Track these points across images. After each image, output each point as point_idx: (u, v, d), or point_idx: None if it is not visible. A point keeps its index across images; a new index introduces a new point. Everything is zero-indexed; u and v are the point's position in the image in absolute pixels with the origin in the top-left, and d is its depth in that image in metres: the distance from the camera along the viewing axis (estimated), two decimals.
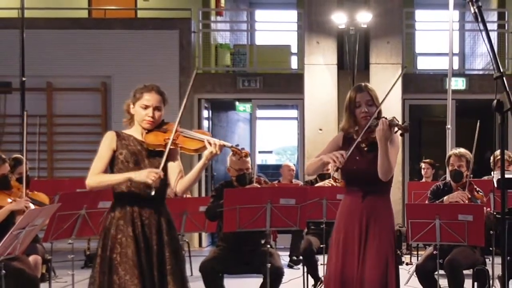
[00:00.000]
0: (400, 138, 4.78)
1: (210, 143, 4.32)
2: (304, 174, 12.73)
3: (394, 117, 4.59)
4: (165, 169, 4.42)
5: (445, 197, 6.54)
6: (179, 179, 4.49)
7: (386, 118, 4.53)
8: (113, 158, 4.41)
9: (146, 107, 4.40)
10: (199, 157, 4.50)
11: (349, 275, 4.71)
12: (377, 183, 4.67)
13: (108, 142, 4.41)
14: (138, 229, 4.34)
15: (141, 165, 4.39)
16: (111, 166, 4.43)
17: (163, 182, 4.46)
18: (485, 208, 6.40)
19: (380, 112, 4.73)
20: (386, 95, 4.77)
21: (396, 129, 4.51)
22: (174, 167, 4.49)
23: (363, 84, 4.89)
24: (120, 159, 4.39)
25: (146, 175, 4.24)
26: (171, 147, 4.35)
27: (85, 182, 4.39)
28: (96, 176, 4.35)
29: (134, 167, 4.37)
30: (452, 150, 6.91)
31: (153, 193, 4.29)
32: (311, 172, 5.00)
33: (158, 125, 4.47)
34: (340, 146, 4.84)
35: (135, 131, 4.50)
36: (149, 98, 4.40)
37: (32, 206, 5.98)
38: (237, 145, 4.52)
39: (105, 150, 4.41)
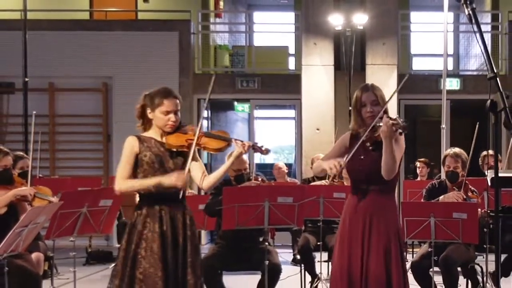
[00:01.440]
0: (403, 138, 4.79)
1: (237, 143, 4.54)
2: (302, 172, 12.76)
3: (397, 116, 4.58)
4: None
5: (441, 197, 6.54)
6: (204, 176, 4.64)
7: (389, 118, 4.52)
8: (136, 161, 4.51)
9: (167, 113, 4.49)
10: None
11: (354, 272, 4.71)
12: (381, 181, 4.67)
13: (130, 148, 4.51)
14: (167, 225, 4.45)
15: (166, 166, 4.50)
16: (135, 168, 4.52)
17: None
18: (479, 209, 6.41)
19: (386, 112, 4.72)
20: (391, 97, 4.81)
21: (398, 128, 4.50)
22: (197, 166, 4.63)
23: (369, 83, 4.89)
24: (145, 160, 4.49)
25: (175, 179, 4.39)
26: (196, 147, 4.50)
27: (115, 188, 4.51)
28: (126, 181, 4.47)
29: (160, 168, 4.48)
30: (448, 151, 6.85)
31: (181, 195, 4.48)
32: (316, 174, 5.31)
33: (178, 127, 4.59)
34: (346, 146, 4.88)
35: (154, 134, 4.59)
36: (169, 104, 4.49)
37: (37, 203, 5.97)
38: (256, 143, 4.69)
39: (128, 155, 4.50)
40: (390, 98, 4.82)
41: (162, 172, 4.47)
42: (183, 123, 4.65)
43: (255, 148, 4.68)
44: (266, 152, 4.75)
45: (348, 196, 4.96)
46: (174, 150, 4.53)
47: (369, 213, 4.73)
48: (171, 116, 4.49)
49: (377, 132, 4.58)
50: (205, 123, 14.26)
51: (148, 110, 4.53)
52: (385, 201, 4.78)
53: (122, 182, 4.47)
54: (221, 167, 4.69)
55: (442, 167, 7.00)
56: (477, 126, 6.92)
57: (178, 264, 4.44)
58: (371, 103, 4.73)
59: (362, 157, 4.75)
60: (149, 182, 4.43)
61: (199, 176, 4.62)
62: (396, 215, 4.85)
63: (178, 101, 4.53)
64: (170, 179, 4.39)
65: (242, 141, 4.56)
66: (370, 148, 4.71)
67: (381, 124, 4.50)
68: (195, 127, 4.58)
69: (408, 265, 6.97)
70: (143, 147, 4.50)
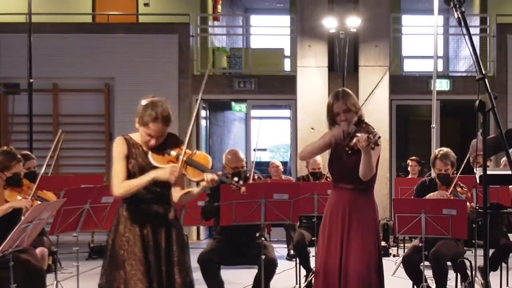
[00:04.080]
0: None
1: (207, 179, 4.29)
2: (297, 170, 12.74)
3: (370, 127, 4.62)
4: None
5: (427, 196, 6.54)
6: (180, 192, 4.46)
7: (367, 133, 4.52)
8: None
9: (150, 136, 4.31)
10: None
11: (332, 267, 4.75)
12: (360, 181, 4.74)
13: (119, 149, 4.34)
14: (147, 228, 4.33)
15: None
16: None
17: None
18: (469, 204, 6.41)
19: (361, 116, 4.76)
20: (369, 95, 4.79)
21: (370, 143, 4.49)
22: (178, 183, 4.43)
23: (340, 91, 4.90)
24: (128, 168, 4.33)
25: (169, 172, 4.21)
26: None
27: (113, 192, 4.32)
28: (123, 184, 4.28)
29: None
30: (436, 152, 6.80)
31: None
32: (307, 154, 5.08)
33: (164, 140, 4.39)
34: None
35: (141, 140, 4.40)
36: (154, 129, 4.28)
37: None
38: (237, 181, 4.53)
39: (119, 157, 4.33)
40: (365, 101, 4.84)
41: None
42: (175, 139, 4.44)
43: (232, 185, 4.48)
44: (243, 192, 4.48)
45: (330, 194, 5.03)
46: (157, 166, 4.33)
47: (348, 210, 4.80)
48: (152, 140, 4.30)
49: (353, 140, 4.57)
50: (203, 122, 14.26)
51: (137, 119, 4.35)
52: (363, 198, 4.85)
53: (120, 186, 4.29)
54: (192, 192, 4.50)
55: (432, 168, 6.97)
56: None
57: (162, 265, 4.33)
58: (343, 112, 4.78)
59: (342, 159, 4.83)
60: (145, 178, 4.25)
61: (175, 190, 4.46)
62: (374, 212, 4.89)
63: (165, 126, 4.30)
64: (164, 173, 4.22)
65: (212, 177, 4.29)
66: (349, 152, 4.73)
67: (357, 134, 4.54)
68: (182, 148, 4.36)
69: (399, 259, 6.98)
70: (130, 153, 4.34)
